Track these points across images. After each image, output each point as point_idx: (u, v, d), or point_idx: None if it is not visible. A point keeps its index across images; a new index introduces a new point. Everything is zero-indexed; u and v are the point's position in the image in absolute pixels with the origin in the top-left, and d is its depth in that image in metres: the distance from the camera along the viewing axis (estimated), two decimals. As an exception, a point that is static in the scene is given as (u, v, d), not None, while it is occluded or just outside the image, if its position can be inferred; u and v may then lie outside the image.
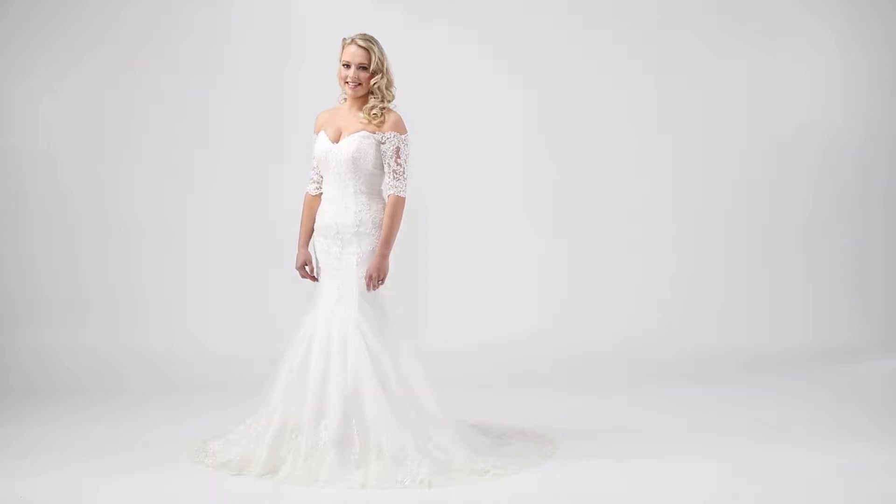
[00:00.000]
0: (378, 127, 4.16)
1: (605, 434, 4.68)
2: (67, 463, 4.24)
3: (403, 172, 4.16)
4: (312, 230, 4.35)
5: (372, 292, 4.15)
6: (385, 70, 4.17)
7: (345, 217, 4.18)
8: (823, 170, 6.69)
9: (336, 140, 4.22)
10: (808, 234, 6.68)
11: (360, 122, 4.18)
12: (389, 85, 4.19)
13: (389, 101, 4.20)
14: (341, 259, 4.19)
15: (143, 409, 5.23)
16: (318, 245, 4.30)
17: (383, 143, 4.15)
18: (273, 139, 6.38)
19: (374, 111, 4.15)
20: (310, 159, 4.41)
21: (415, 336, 4.33)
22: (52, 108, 6.36)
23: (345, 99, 4.28)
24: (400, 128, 4.16)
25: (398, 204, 4.15)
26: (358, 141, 4.15)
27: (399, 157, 4.15)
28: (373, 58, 4.14)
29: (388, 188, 4.18)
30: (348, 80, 4.17)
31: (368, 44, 4.15)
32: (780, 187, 6.67)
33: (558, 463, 4.23)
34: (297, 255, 4.38)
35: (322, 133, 4.28)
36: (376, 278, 4.12)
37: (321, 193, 4.34)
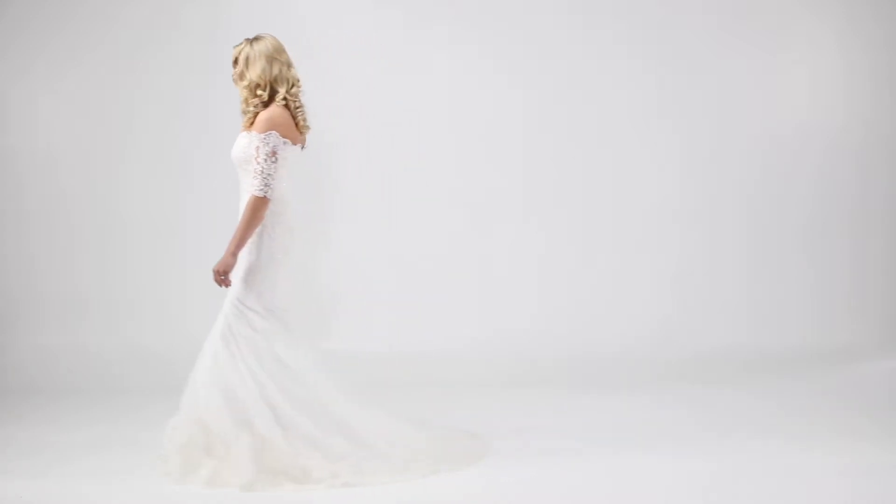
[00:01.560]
0: (250, 127, 4.09)
1: (604, 434, 4.68)
2: (67, 463, 4.24)
3: (262, 171, 3.98)
4: None
5: (258, 291, 4.04)
6: (243, 65, 4.08)
7: (237, 216, 4.11)
8: (823, 170, 6.68)
9: None
10: (808, 234, 6.68)
11: (247, 123, 4.15)
12: (240, 78, 4.09)
13: (274, 98, 4.06)
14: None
15: (143, 409, 5.23)
16: None
17: (251, 143, 4.05)
18: (273, 139, 6.36)
19: (247, 112, 4.11)
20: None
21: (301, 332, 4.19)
22: (52, 108, 6.36)
23: None
24: (261, 126, 4.02)
25: (256, 203, 3.98)
26: (238, 141, 4.11)
27: (258, 157, 4.00)
28: (234, 52, 4.13)
29: (250, 187, 4.04)
30: None
31: (243, 43, 4.11)
32: (780, 187, 6.67)
33: (556, 464, 4.22)
34: None
35: None
36: (218, 273, 3.98)
37: None
